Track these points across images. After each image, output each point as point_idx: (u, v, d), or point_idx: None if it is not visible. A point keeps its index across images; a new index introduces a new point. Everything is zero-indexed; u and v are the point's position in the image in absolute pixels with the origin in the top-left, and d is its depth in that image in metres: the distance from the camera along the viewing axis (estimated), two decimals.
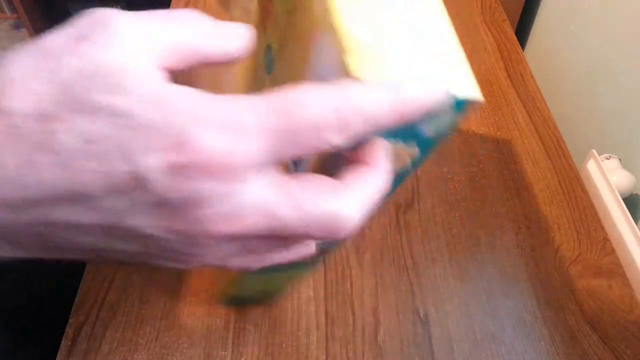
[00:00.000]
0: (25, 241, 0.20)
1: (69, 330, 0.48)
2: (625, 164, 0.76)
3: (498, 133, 0.65)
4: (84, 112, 0.17)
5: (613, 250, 0.54)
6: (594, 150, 0.70)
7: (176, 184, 0.17)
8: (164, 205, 0.18)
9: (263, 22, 0.33)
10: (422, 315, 0.49)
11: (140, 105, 0.17)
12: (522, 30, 1.26)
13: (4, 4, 1.92)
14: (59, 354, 0.46)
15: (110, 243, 0.20)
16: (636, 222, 0.61)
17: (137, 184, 0.17)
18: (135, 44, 0.18)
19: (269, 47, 0.32)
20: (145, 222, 0.18)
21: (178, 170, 0.17)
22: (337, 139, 0.18)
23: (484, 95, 0.70)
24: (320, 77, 0.25)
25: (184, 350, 0.47)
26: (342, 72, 0.22)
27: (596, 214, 0.57)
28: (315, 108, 0.18)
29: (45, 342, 0.57)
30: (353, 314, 0.49)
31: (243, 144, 0.17)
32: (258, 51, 0.32)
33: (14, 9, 1.83)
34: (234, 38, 0.21)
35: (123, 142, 0.17)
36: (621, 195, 0.65)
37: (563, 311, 0.49)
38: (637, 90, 0.82)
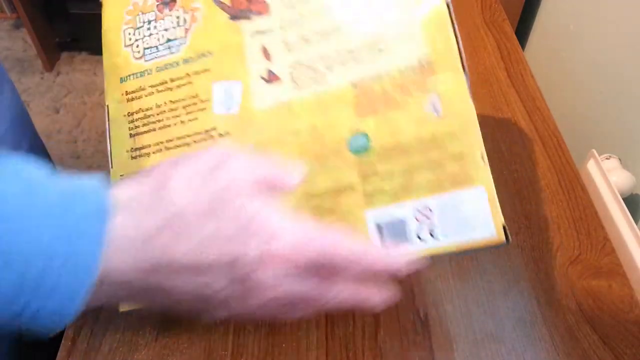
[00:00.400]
0: (141, 296, 0.28)
1: (69, 330, 0.48)
2: (625, 164, 0.76)
3: (498, 133, 0.65)
4: (221, 215, 0.27)
5: (613, 250, 0.54)
6: (594, 150, 0.70)
7: (259, 266, 0.27)
8: (240, 280, 0.27)
9: (361, 110, 0.40)
10: (422, 315, 0.49)
11: (254, 216, 0.27)
12: (522, 30, 1.26)
13: (4, 4, 1.92)
14: (59, 354, 0.46)
15: (191, 302, 0.28)
16: (636, 222, 0.61)
17: (237, 262, 0.27)
18: (246, 174, 0.29)
19: (362, 134, 0.40)
20: (224, 286, 0.27)
21: (262, 257, 0.27)
22: (348, 273, 0.30)
23: (484, 95, 0.70)
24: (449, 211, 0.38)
25: (184, 350, 0.47)
26: (493, 231, 0.37)
27: (596, 214, 0.57)
28: (350, 256, 0.30)
29: (45, 342, 0.57)
30: (353, 314, 0.49)
31: (303, 253, 0.28)
32: (334, 124, 0.41)
33: (14, 9, 1.83)
34: (294, 177, 0.32)
35: (241, 237, 0.27)
36: (621, 195, 0.65)
37: (563, 311, 0.49)
38: (637, 90, 0.82)
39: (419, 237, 0.38)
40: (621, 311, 0.49)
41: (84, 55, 1.98)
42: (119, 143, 0.45)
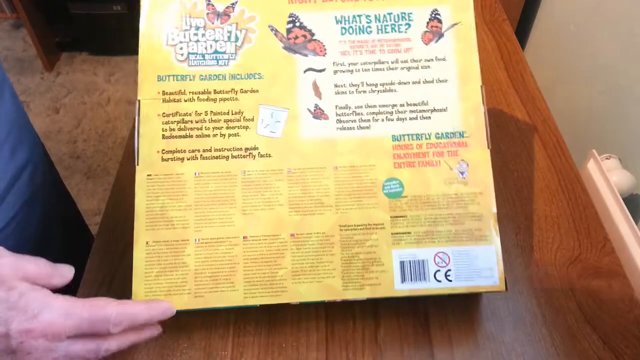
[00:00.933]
0: None
1: None
2: (625, 164, 0.76)
3: (498, 133, 0.65)
4: None
5: (613, 250, 0.54)
6: (594, 150, 0.70)
7: (25, 340, 0.32)
8: (12, 351, 0.33)
9: (398, 160, 0.46)
10: (422, 316, 0.49)
11: (19, 299, 0.33)
12: (522, 30, 1.26)
13: (4, 4, 1.91)
14: None
15: None
16: (636, 222, 0.61)
17: (5, 336, 0.32)
18: (11, 269, 0.34)
19: (397, 181, 0.46)
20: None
21: (27, 332, 0.33)
22: (115, 330, 0.36)
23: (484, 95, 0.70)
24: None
25: (184, 350, 0.47)
26: None
27: (596, 214, 0.57)
28: (109, 313, 0.35)
29: None
30: (353, 314, 0.49)
31: (67, 323, 0.33)
32: (372, 167, 0.46)
33: (14, 9, 1.83)
34: (59, 278, 0.36)
35: (5, 316, 0.32)
36: (621, 195, 0.65)
37: (563, 311, 0.49)
38: (637, 90, 0.82)
39: (436, 278, 0.45)
40: (621, 311, 0.49)
41: (84, 55, 1.98)
42: (148, 141, 0.46)
